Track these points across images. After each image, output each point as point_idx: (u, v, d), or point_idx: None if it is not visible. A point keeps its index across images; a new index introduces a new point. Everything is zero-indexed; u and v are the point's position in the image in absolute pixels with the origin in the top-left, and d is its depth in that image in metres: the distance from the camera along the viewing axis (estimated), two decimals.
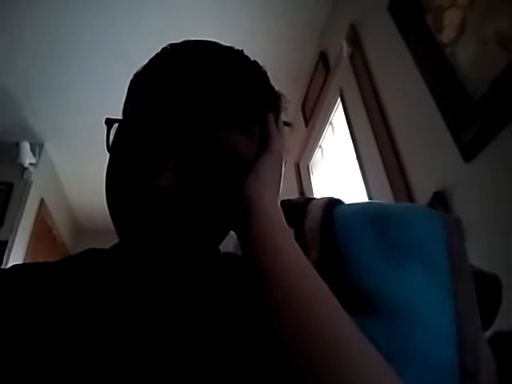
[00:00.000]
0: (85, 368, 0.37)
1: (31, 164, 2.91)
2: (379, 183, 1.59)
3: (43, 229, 3.23)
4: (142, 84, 0.46)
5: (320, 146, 2.37)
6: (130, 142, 0.43)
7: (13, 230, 2.76)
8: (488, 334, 0.49)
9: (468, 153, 1.10)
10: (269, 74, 0.50)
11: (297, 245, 0.40)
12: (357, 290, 0.44)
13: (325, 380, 0.30)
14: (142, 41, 2.16)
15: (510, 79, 0.95)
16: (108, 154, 0.45)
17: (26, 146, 2.85)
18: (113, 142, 0.45)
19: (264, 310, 0.35)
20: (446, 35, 1.22)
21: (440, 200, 1.20)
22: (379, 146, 1.59)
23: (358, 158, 1.81)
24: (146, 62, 0.48)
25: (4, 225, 2.77)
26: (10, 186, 2.90)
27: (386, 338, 0.39)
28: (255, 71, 0.48)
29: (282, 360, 0.32)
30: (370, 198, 1.67)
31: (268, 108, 0.48)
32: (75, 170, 3.31)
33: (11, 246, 2.70)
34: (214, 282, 0.47)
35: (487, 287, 0.50)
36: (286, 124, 0.54)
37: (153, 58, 0.48)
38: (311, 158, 2.48)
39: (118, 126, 0.45)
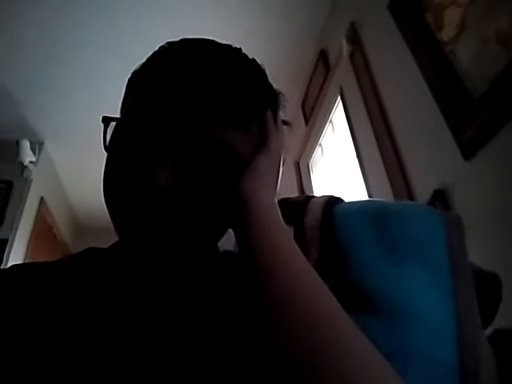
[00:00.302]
0: (85, 367, 0.37)
1: (31, 162, 2.91)
2: (379, 181, 1.59)
3: (43, 227, 3.23)
4: (139, 82, 0.46)
5: (320, 145, 2.37)
6: (127, 141, 0.43)
7: (13, 229, 2.76)
8: (488, 332, 0.49)
9: (468, 151, 1.10)
10: (269, 73, 0.50)
11: (294, 242, 0.40)
12: (357, 288, 0.44)
13: (325, 377, 0.30)
14: (141, 40, 2.15)
15: (509, 77, 0.95)
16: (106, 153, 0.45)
17: (25, 145, 2.85)
18: (110, 140, 0.45)
19: (263, 308, 0.35)
20: (446, 33, 1.21)
21: (440, 198, 1.20)
22: (379, 144, 1.59)
23: (358, 156, 1.81)
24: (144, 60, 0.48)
25: (4, 223, 2.77)
26: (9, 185, 2.90)
27: (385, 336, 0.39)
28: (253, 69, 0.48)
29: (283, 358, 0.32)
30: (370, 196, 1.67)
31: (266, 106, 0.48)
32: (75, 169, 3.31)
33: (11, 245, 2.70)
34: (212, 281, 0.47)
35: (487, 285, 0.50)
36: (285, 123, 0.54)
37: (151, 56, 0.48)
38: (311, 157, 2.48)
39: (116, 125, 0.45)
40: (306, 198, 0.55)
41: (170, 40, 0.48)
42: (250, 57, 0.49)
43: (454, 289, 0.42)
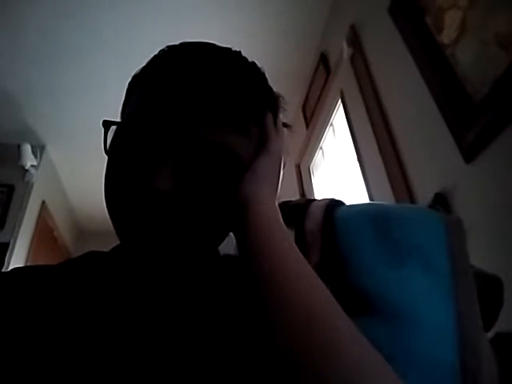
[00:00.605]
0: (86, 370, 0.37)
1: (32, 166, 2.92)
2: (380, 184, 1.59)
3: (44, 231, 3.23)
4: (139, 86, 0.46)
5: (321, 148, 2.37)
6: (128, 144, 0.43)
7: (14, 232, 2.76)
8: (490, 334, 0.49)
9: (469, 154, 1.10)
10: (269, 76, 0.50)
11: (295, 244, 0.40)
12: (358, 291, 0.44)
13: (326, 378, 0.30)
14: (142, 43, 2.16)
15: (510, 80, 0.95)
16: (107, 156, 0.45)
17: (27, 148, 2.86)
18: (111, 144, 0.45)
19: (263, 310, 0.35)
20: (447, 36, 1.22)
21: (441, 201, 1.20)
22: (380, 147, 1.59)
23: (359, 159, 1.81)
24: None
25: (5, 227, 2.77)
26: (11, 188, 2.90)
27: (387, 339, 0.39)
28: (253, 72, 0.48)
29: (283, 359, 0.32)
30: (370, 199, 1.67)
31: (266, 109, 0.48)
32: (76, 172, 3.31)
33: (12, 248, 2.70)
34: (213, 284, 0.47)
35: (489, 288, 0.49)
36: (285, 125, 0.54)
37: (151, 59, 0.48)
38: (312, 160, 2.48)
39: (117, 129, 0.45)
40: (306, 201, 0.55)
41: (170, 42, 0.48)
42: (250, 60, 0.49)
43: (456, 291, 0.42)
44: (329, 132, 2.26)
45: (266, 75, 0.50)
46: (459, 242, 0.46)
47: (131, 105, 0.46)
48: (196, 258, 0.47)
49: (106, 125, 0.45)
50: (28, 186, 2.93)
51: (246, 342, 0.37)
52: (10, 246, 2.69)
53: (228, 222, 0.44)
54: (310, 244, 0.49)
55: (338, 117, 2.11)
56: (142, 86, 0.46)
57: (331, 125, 2.22)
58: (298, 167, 2.65)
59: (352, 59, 1.87)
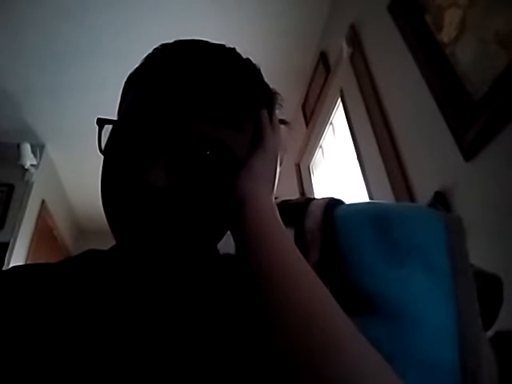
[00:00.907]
0: (85, 368, 0.37)
1: (32, 165, 2.92)
2: (380, 183, 1.59)
3: (44, 230, 3.23)
4: (134, 85, 0.46)
5: (321, 147, 2.37)
6: (122, 142, 0.43)
7: (14, 232, 2.76)
8: (489, 333, 0.49)
9: (469, 152, 1.10)
10: (269, 75, 0.50)
11: (293, 242, 0.40)
12: (358, 290, 0.44)
13: (326, 377, 0.30)
14: (141, 42, 2.15)
15: (510, 79, 0.95)
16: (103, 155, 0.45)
17: (26, 148, 2.86)
18: (107, 143, 0.45)
19: (263, 308, 0.34)
20: (446, 35, 1.22)
21: (441, 200, 1.20)
22: (380, 145, 1.59)
23: (359, 157, 1.81)
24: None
25: (5, 226, 2.77)
26: (11, 188, 2.90)
27: (387, 338, 0.39)
28: (247, 68, 0.48)
29: (283, 358, 0.32)
30: (370, 198, 1.67)
31: (261, 105, 0.48)
32: (76, 171, 3.31)
33: (12, 248, 2.71)
34: (212, 283, 0.47)
35: (488, 287, 0.49)
36: (283, 122, 0.54)
37: (144, 58, 0.48)
38: (312, 159, 2.48)
39: (112, 128, 0.45)
40: (306, 200, 0.55)
41: (169, 41, 0.48)
42: (252, 59, 0.49)
43: (455, 290, 0.42)
44: (328, 131, 2.26)
45: (262, 72, 0.50)
46: (459, 240, 0.46)
47: (126, 103, 0.46)
48: (193, 256, 0.47)
49: (101, 123, 0.45)
50: (28, 186, 2.94)
51: (245, 340, 0.37)
52: (10, 246, 2.70)
53: (225, 218, 0.43)
54: (310, 243, 0.49)
55: (338, 116, 2.11)
56: (136, 85, 0.46)
57: (331, 124, 2.22)
58: (298, 166, 2.65)
59: (352, 58, 1.87)
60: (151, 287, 0.46)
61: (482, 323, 0.42)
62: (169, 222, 0.41)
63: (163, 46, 0.47)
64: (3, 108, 2.67)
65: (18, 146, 2.85)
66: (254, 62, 0.50)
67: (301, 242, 0.49)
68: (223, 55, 0.47)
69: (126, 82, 0.49)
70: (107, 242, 0.53)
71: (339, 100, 2.05)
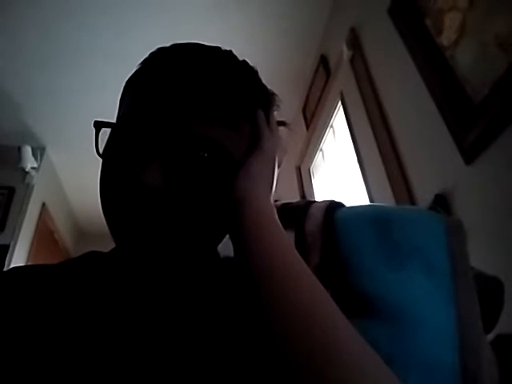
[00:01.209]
0: (85, 369, 0.37)
1: (33, 168, 2.92)
2: (380, 186, 1.59)
3: (45, 233, 3.23)
4: (131, 89, 0.47)
5: (321, 149, 2.37)
6: (119, 145, 0.43)
7: (14, 235, 2.76)
8: (490, 336, 0.49)
9: (469, 155, 1.10)
10: (269, 78, 0.51)
11: (291, 242, 0.40)
12: (358, 292, 0.44)
13: (327, 377, 0.30)
14: (142, 44, 2.15)
15: (510, 82, 0.95)
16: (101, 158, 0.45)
17: (27, 150, 2.86)
18: (105, 146, 0.45)
19: (264, 309, 0.34)
20: (446, 38, 1.22)
21: (441, 203, 1.20)
22: (380, 148, 1.59)
23: (359, 160, 1.81)
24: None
25: (6, 229, 2.77)
26: (11, 191, 2.90)
27: (387, 340, 0.39)
28: (243, 69, 0.49)
29: (283, 358, 0.32)
30: (371, 201, 1.67)
31: (257, 105, 0.48)
32: (77, 174, 3.31)
33: (13, 250, 2.70)
34: (212, 284, 0.47)
35: (489, 290, 0.49)
36: (282, 123, 0.54)
37: (141, 62, 0.48)
38: (312, 161, 2.48)
39: (110, 131, 0.46)
40: (306, 203, 0.55)
41: (170, 43, 0.48)
42: (251, 62, 0.50)
43: (456, 293, 0.42)
44: (329, 134, 2.26)
45: (261, 74, 0.50)
46: (459, 243, 0.46)
47: (124, 107, 0.47)
48: (193, 258, 0.47)
49: (98, 126, 0.45)
50: (28, 188, 2.94)
51: (245, 341, 0.37)
52: (11, 248, 2.70)
53: (223, 220, 0.43)
54: (311, 245, 0.49)
55: (338, 119, 2.12)
56: (133, 88, 0.46)
57: (331, 126, 2.22)
58: (299, 169, 2.65)
59: (352, 61, 1.87)
60: (151, 289, 0.46)
61: (483, 326, 0.42)
62: (165, 223, 0.41)
63: (160, 49, 0.48)
64: (4, 110, 2.68)
65: (19, 149, 2.85)
66: (251, 63, 0.50)
67: (301, 244, 0.49)
68: (219, 57, 0.47)
69: (124, 87, 0.49)
70: (108, 245, 0.53)
71: (339, 103, 2.06)
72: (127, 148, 0.42)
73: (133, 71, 0.49)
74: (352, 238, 0.47)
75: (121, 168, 0.42)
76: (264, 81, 0.51)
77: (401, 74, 1.50)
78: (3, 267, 2.56)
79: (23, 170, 2.89)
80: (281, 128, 0.55)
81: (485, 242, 1.00)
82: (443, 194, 1.21)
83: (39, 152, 3.00)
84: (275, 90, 0.53)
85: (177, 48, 0.47)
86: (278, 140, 0.50)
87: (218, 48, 0.49)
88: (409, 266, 0.44)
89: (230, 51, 0.49)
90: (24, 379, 0.37)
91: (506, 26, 0.99)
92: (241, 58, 0.50)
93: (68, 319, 0.41)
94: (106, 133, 0.46)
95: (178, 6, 2.10)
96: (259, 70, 0.51)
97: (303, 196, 2.51)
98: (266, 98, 0.51)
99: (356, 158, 1.84)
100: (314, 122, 2.38)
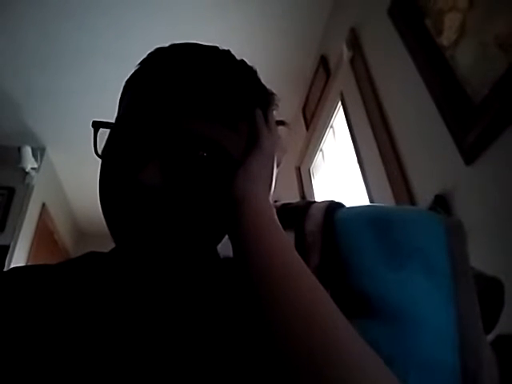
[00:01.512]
0: (85, 369, 0.37)
1: (33, 168, 2.92)
2: (380, 186, 1.59)
3: (45, 233, 3.23)
4: (129, 89, 0.47)
5: (321, 150, 2.37)
6: (118, 144, 0.43)
7: (14, 235, 2.76)
8: (491, 337, 0.49)
9: (469, 156, 1.10)
10: (269, 78, 0.51)
11: (290, 242, 0.40)
12: (358, 293, 0.43)
13: (328, 377, 0.30)
14: (142, 44, 2.16)
15: (510, 82, 0.95)
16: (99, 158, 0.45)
17: (27, 151, 2.86)
18: (104, 146, 0.45)
19: (263, 309, 0.34)
20: (446, 38, 1.22)
21: (441, 203, 1.19)
22: (380, 149, 1.59)
23: (359, 161, 1.81)
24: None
25: (5, 229, 2.77)
26: (11, 191, 2.90)
27: (387, 341, 0.39)
28: (240, 69, 0.49)
29: (283, 358, 0.32)
30: (371, 201, 1.67)
31: (255, 105, 0.48)
32: (77, 174, 3.31)
33: (13, 251, 2.70)
34: (211, 284, 0.47)
35: (489, 290, 0.49)
36: (281, 123, 0.54)
37: (139, 63, 0.48)
38: (312, 162, 2.48)
39: (110, 131, 0.46)
40: (306, 204, 0.55)
41: (170, 43, 0.48)
42: (251, 62, 0.50)
43: (456, 293, 0.42)
44: (329, 134, 2.26)
45: (261, 74, 0.50)
46: (459, 244, 0.46)
47: (123, 107, 0.47)
48: (192, 257, 0.47)
49: (96, 126, 0.45)
50: (28, 189, 2.94)
51: (246, 341, 0.37)
52: (10, 249, 2.70)
53: (222, 219, 0.43)
54: (311, 246, 0.49)
55: (338, 119, 2.12)
56: (131, 89, 0.46)
57: (331, 127, 2.22)
58: (299, 169, 2.65)
59: (352, 61, 1.87)
60: (150, 289, 0.46)
61: (483, 326, 0.42)
62: (164, 222, 0.41)
63: (158, 49, 0.48)
64: (4, 111, 2.68)
65: (19, 149, 2.85)
66: (250, 63, 0.50)
67: (301, 244, 0.49)
68: (217, 56, 0.47)
69: (123, 88, 0.49)
70: (108, 246, 0.53)
71: (339, 103, 2.06)
72: (126, 147, 0.42)
73: (131, 72, 0.49)
74: (352, 238, 0.47)
75: (119, 167, 0.42)
76: (264, 81, 0.51)
77: (401, 75, 1.50)
78: (3, 267, 2.56)
79: (23, 170, 2.89)
80: (280, 127, 0.55)
81: (485, 243, 1.00)
82: (443, 194, 1.21)
83: (39, 152, 3.00)
84: (275, 90, 0.53)
85: (175, 48, 0.47)
86: (277, 139, 0.51)
87: (216, 48, 0.49)
88: (409, 267, 0.44)
89: (228, 51, 0.49)
90: (24, 379, 0.37)
91: (506, 27, 0.99)
92: (240, 58, 0.50)
93: (68, 319, 0.41)
94: (105, 133, 0.46)
95: (177, 6, 2.10)
96: (259, 70, 0.51)
97: (303, 196, 2.50)
98: (264, 98, 0.51)
99: (356, 158, 1.84)
100: (313, 122, 2.38)
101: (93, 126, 0.45)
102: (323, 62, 2.28)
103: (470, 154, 1.10)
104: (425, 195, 1.30)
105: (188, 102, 0.42)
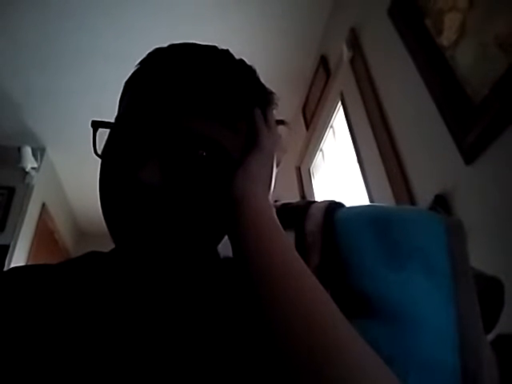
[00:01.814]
0: (84, 369, 0.37)
1: (33, 168, 2.92)
2: (380, 186, 1.59)
3: (45, 233, 3.23)
4: (129, 89, 0.47)
5: (321, 150, 2.37)
6: (118, 143, 0.44)
7: (14, 235, 2.76)
8: (491, 336, 0.49)
9: (469, 155, 1.10)
10: (269, 78, 0.51)
11: (290, 242, 0.40)
12: (358, 293, 0.43)
13: (328, 377, 0.30)
14: (142, 45, 2.16)
15: (510, 82, 0.95)
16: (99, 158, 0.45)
17: (27, 151, 2.87)
18: (104, 146, 0.46)
19: (263, 309, 0.34)
20: (446, 38, 1.22)
21: (441, 203, 1.20)
22: (380, 149, 1.59)
23: (359, 161, 1.81)
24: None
25: (6, 229, 2.77)
26: (11, 191, 2.90)
27: (387, 341, 0.39)
28: (240, 68, 0.49)
29: (283, 358, 0.32)
30: (371, 201, 1.67)
31: (254, 104, 0.48)
32: (77, 174, 3.31)
33: (13, 251, 2.71)
34: (212, 284, 0.47)
35: (489, 290, 0.49)
36: (281, 122, 0.54)
37: (138, 63, 0.48)
38: (312, 162, 2.48)
39: (109, 131, 0.46)
40: (306, 203, 0.55)
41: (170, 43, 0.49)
42: (251, 62, 0.50)
43: (456, 293, 0.42)
44: (329, 134, 2.26)
45: (260, 74, 0.50)
46: (460, 243, 0.46)
47: (122, 107, 0.47)
48: (192, 257, 0.47)
49: (95, 125, 0.45)
50: (28, 188, 2.94)
51: (246, 340, 0.37)
52: (11, 249, 2.70)
53: (221, 219, 0.43)
54: (311, 246, 0.49)
55: (338, 119, 2.12)
56: (131, 89, 0.46)
57: (331, 127, 2.22)
58: (299, 169, 2.65)
59: (352, 61, 1.87)
60: (150, 289, 0.46)
61: (483, 326, 0.42)
62: (163, 220, 0.41)
63: (157, 49, 0.48)
64: (4, 110, 2.68)
65: (19, 149, 2.86)
66: (249, 63, 0.50)
67: (301, 244, 0.49)
68: (216, 56, 0.48)
69: (122, 88, 0.49)
70: (108, 245, 0.53)
71: (339, 103, 2.06)
72: (125, 146, 0.43)
73: (131, 72, 0.49)
74: (352, 238, 0.47)
75: (119, 166, 0.42)
76: (264, 81, 0.51)
77: (401, 75, 1.50)
78: (3, 267, 2.56)
79: (23, 170, 2.89)
80: (280, 127, 0.55)
81: (485, 243, 1.00)
82: (443, 194, 1.21)
83: (39, 152, 3.00)
84: (275, 90, 0.53)
85: (174, 48, 0.47)
86: (276, 138, 0.51)
87: (215, 47, 0.49)
88: (409, 267, 0.44)
89: (227, 50, 0.49)
90: (24, 379, 0.37)
91: (506, 27, 0.99)
92: (239, 58, 0.50)
93: (68, 319, 0.41)
94: (105, 133, 0.46)
95: (178, 6, 2.10)
96: (259, 70, 0.51)
97: (303, 196, 2.50)
98: (263, 97, 0.51)
99: (356, 158, 1.84)
100: (313, 122, 2.38)
101: (92, 125, 0.45)
102: (323, 62, 2.28)
103: (469, 153, 1.10)
104: (425, 195, 1.30)
105: (187, 101, 0.42)
